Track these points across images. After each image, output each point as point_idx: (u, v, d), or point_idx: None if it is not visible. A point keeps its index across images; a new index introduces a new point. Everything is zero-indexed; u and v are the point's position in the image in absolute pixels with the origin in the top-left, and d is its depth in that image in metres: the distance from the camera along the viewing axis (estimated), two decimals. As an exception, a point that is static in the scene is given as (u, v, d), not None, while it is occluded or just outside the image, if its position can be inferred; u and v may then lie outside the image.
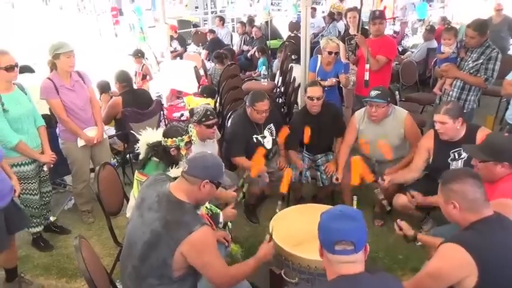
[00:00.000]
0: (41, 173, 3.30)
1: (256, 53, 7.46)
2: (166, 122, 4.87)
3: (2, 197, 2.48)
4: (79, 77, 3.44)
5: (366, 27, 5.01)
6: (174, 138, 2.69)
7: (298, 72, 4.97)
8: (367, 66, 3.95)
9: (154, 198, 1.98)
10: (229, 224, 2.80)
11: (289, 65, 5.46)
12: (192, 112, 3.21)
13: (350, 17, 5.05)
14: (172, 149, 2.70)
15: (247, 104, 3.55)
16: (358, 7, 4.47)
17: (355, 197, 2.73)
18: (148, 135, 2.92)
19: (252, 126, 3.57)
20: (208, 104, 4.13)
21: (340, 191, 3.74)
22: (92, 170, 3.85)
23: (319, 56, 4.48)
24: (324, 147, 3.90)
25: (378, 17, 4.24)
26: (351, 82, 4.98)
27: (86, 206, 3.85)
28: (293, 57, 5.39)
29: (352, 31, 4.86)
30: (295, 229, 2.58)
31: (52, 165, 3.32)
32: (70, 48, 3.24)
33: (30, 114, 3.10)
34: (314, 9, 10.87)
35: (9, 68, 2.87)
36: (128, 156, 4.53)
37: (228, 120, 4.15)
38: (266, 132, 3.65)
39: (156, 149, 2.74)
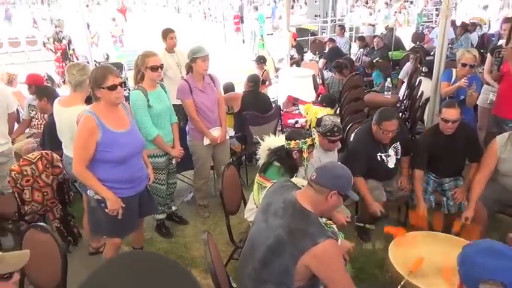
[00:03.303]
0: (169, 166, 3.59)
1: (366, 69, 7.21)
2: (281, 128, 4.94)
3: (140, 183, 2.75)
4: (211, 80, 3.67)
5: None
6: (298, 141, 2.72)
7: (427, 86, 4.62)
8: None
9: (280, 205, 1.99)
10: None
11: (418, 79, 5.09)
12: (319, 121, 3.17)
13: (505, 28, 4.53)
14: (295, 151, 2.73)
15: (373, 121, 3.36)
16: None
17: None
18: (270, 141, 2.99)
19: (376, 144, 3.37)
20: (331, 114, 4.05)
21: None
22: (212, 168, 4.09)
23: (454, 69, 4.09)
24: (453, 171, 3.52)
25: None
26: (487, 101, 4.45)
27: (203, 201, 4.08)
28: (423, 69, 5.01)
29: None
30: (416, 257, 2.37)
31: (179, 160, 3.59)
32: (206, 53, 3.49)
33: (168, 111, 3.40)
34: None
35: (154, 68, 3.18)
36: (243, 157, 4.71)
37: (348, 131, 4.02)
38: (391, 151, 3.43)
39: (278, 153, 2.79)
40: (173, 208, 3.99)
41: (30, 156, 3.15)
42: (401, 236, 2.61)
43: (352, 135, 3.62)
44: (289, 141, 2.75)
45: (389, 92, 5.43)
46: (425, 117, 4.52)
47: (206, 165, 3.89)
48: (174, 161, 3.58)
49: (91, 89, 2.50)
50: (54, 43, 7.55)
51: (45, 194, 3.18)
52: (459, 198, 3.31)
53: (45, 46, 7.90)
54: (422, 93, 4.76)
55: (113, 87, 2.43)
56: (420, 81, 5.00)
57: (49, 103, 3.87)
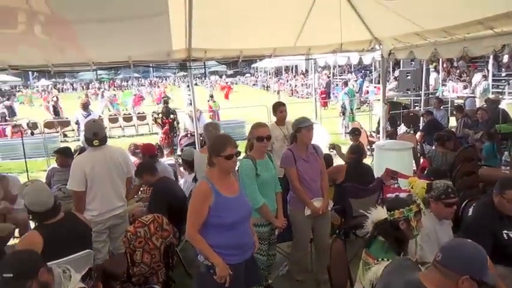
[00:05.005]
0: (271, 236, 3.53)
1: (481, 138, 6.64)
2: (382, 202, 4.66)
3: (247, 250, 2.72)
4: (314, 150, 3.68)
5: None
6: (401, 209, 2.49)
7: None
8: None
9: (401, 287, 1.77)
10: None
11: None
12: (430, 187, 2.94)
13: None
14: (401, 221, 2.49)
15: (494, 191, 3.03)
16: None
17: None
18: (377, 213, 2.80)
19: (501, 220, 2.98)
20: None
21: None
22: (310, 241, 3.92)
23: None
24: None
25: None
26: None
27: (300, 276, 3.88)
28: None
29: None
30: None
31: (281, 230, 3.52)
32: (310, 123, 3.55)
33: (273, 180, 3.43)
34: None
35: (260, 139, 3.31)
36: (341, 231, 4.47)
37: (463, 208, 3.64)
38: None
39: (382, 226, 2.57)
40: (269, 281, 3.84)
41: (144, 218, 3.35)
42: None
43: (470, 210, 3.25)
44: (392, 212, 2.53)
45: (507, 167, 4.91)
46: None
47: (306, 237, 3.76)
48: (276, 231, 3.52)
49: (208, 154, 2.64)
50: (163, 118, 8.43)
51: (153, 256, 3.30)
52: None
53: (156, 121, 8.82)
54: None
55: (229, 157, 2.55)
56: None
57: (149, 175, 4.21)
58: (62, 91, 43.57)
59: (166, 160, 6.20)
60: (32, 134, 12.24)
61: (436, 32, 5.00)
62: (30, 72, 36.75)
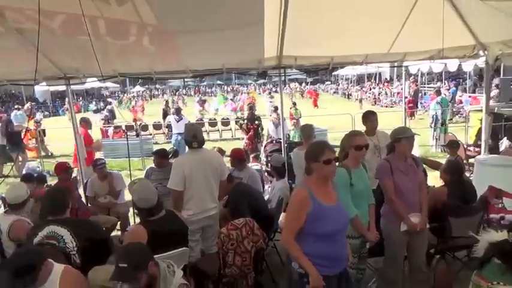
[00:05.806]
0: (362, 249, 3.39)
1: None
2: (487, 223, 4.23)
3: (340, 263, 2.64)
4: (413, 162, 3.47)
5: None
6: None
7: None
8: None
9: None
10: None
11: None
12: None
13: None
14: None
15: None
16: None
17: None
18: (491, 235, 2.54)
19: None
20: None
21: None
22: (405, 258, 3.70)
23: None
24: None
25: None
26: None
27: (392, 294, 3.67)
28: None
29: None
30: None
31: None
32: (411, 134, 3.36)
33: (367, 191, 3.31)
34: None
35: (359, 147, 3.21)
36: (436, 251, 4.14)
37: None
38: None
39: (500, 247, 2.32)
40: (358, 297, 3.69)
41: (236, 221, 3.44)
42: None
43: None
44: None
45: None
46: None
47: (400, 254, 3.54)
48: (367, 245, 3.37)
49: (306, 162, 2.62)
50: (248, 123, 8.67)
51: (244, 259, 3.37)
52: None
53: (241, 127, 9.10)
54: None
55: (328, 161, 2.52)
56: None
57: (227, 181, 4.21)
58: (154, 97, 47.05)
59: (252, 165, 6.32)
60: (138, 135, 13.38)
61: (556, 35, 4.45)
62: (127, 79, 40.22)
